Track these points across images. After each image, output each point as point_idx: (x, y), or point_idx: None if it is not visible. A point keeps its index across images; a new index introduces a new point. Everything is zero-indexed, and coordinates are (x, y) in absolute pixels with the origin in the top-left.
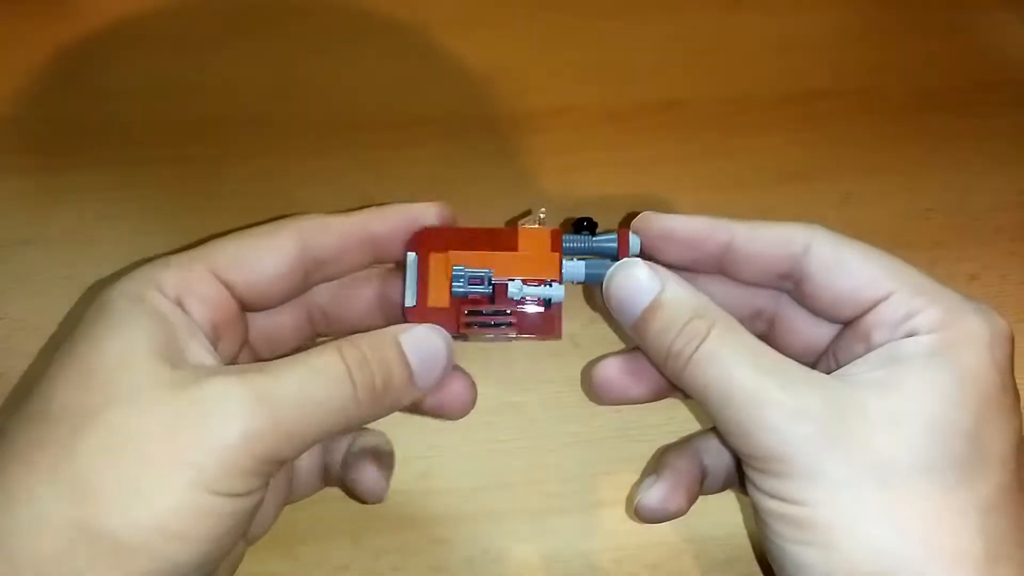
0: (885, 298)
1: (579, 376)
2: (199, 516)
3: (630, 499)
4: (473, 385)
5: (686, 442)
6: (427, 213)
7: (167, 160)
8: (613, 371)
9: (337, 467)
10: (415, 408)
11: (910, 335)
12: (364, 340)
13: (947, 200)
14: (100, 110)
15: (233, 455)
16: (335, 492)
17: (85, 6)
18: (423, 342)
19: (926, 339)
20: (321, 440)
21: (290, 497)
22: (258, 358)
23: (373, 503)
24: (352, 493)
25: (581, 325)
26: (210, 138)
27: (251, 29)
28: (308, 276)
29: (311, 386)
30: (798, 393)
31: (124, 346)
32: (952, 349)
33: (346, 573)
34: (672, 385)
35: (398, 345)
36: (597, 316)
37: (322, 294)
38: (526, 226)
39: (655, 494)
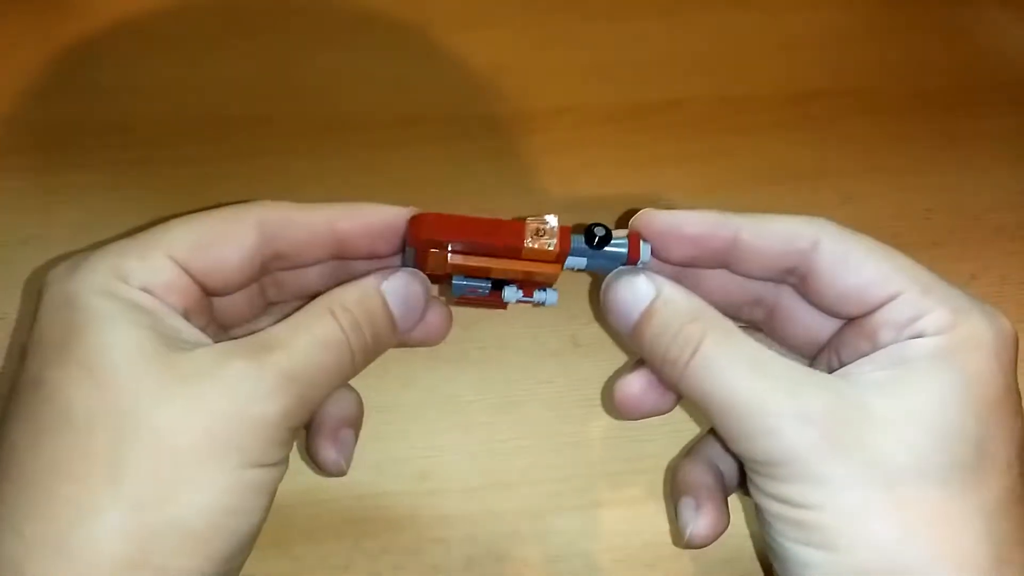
0: (893, 298)
1: (579, 376)
2: (249, 489)
3: (674, 527)
4: (449, 312)
5: (698, 456)
6: (399, 216)
7: (167, 160)
8: (635, 388)
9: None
10: (398, 345)
11: (917, 336)
12: (352, 299)
13: (947, 200)
14: (100, 110)
15: (270, 432)
16: (334, 492)
17: (85, 6)
18: (404, 289)
19: (932, 341)
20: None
21: None
22: (221, 330)
23: (335, 475)
24: (315, 463)
25: (581, 325)
26: (210, 138)
27: (251, 29)
28: (265, 267)
29: (320, 357)
30: (799, 396)
31: (124, 342)
32: (958, 352)
33: (346, 573)
34: None
35: (382, 298)
36: (598, 315)
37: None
38: (532, 223)
39: (705, 521)
